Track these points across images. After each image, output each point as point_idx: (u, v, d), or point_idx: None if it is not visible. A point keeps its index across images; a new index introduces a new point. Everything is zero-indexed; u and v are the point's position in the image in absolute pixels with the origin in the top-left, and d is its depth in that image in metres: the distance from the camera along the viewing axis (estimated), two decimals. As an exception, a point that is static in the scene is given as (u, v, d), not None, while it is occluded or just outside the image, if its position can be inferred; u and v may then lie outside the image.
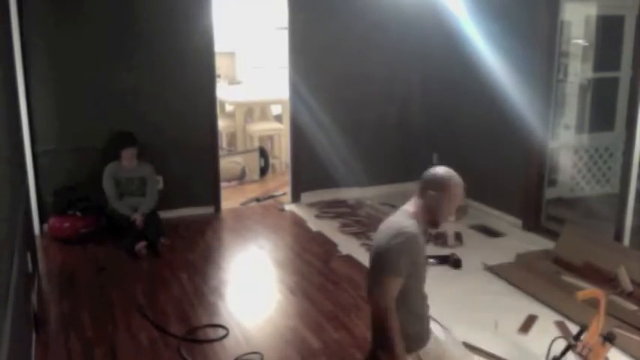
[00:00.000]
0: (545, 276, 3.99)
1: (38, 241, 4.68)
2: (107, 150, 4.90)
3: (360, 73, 5.84)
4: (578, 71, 5.42)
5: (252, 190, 6.37)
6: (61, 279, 4.11)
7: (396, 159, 6.20)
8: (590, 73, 5.43)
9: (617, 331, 3.21)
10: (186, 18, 5.09)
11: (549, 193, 5.08)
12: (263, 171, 6.91)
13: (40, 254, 4.46)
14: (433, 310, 2.49)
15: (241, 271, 4.47)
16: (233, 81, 9.26)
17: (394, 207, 5.92)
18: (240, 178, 6.69)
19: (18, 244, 2.81)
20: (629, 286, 3.68)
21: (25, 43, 4.61)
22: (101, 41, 4.87)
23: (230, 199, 5.94)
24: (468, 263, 4.27)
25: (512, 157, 5.03)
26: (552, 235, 4.65)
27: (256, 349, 3.17)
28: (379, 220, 5.49)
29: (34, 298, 3.46)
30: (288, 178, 6.05)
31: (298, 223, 5.32)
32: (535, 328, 3.42)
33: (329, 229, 5.11)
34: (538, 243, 4.62)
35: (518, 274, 4.02)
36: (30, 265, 3.46)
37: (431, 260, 4.20)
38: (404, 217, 2.27)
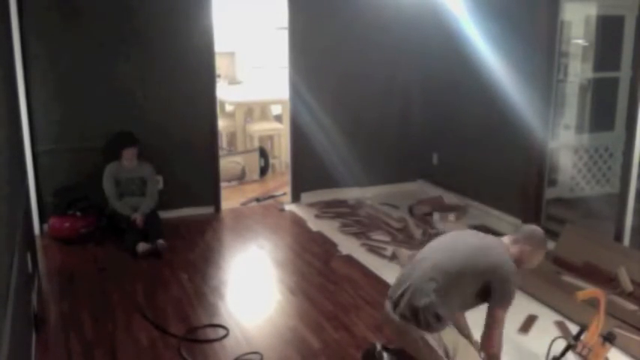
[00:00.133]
0: (545, 276, 3.99)
1: (38, 241, 4.68)
2: (107, 150, 4.90)
3: (360, 73, 5.84)
4: (578, 71, 5.42)
5: (252, 190, 6.37)
6: (61, 279, 4.11)
7: (396, 159, 6.21)
8: (590, 73, 5.42)
9: (617, 331, 3.21)
10: (186, 18, 5.09)
11: (549, 193, 5.08)
12: (263, 171, 6.91)
13: (40, 254, 4.46)
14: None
15: (241, 271, 4.47)
16: (233, 81, 9.26)
17: (394, 207, 5.97)
18: (240, 178, 6.69)
19: (18, 244, 2.81)
20: (629, 286, 3.68)
21: (25, 44, 4.61)
22: (101, 41, 4.87)
23: (230, 199, 5.94)
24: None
25: (512, 157, 5.03)
26: (552, 235, 4.64)
27: (256, 349, 3.17)
28: (379, 220, 5.53)
29: (34, 298, 3.46)
30: (288, 178, 6.06)
31: (298, 223, 5.33)
32: (535, 328, 3.42)
33: (329, 229, 5.11)
34: (538, 243, 4.61)
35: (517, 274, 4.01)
36: (30, 265, 3.46)
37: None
38: (508, 254, 2.65)
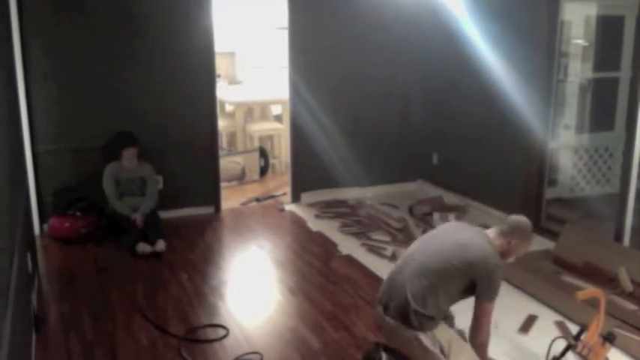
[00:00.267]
0: (545, 276, 3.99)
1: (38, 241, 4.68)
2: (107, 150, 4.90)
3: (360, 73, 5.84)
4: (578, 71, 5.42)
5: (252, 190, 6.37)
6: (61, 279, 4.11)
7: (396, 159, 6.21)
8: (590, 73, 5.42)
9: (617, 331, 3.21)
10: (186, 18, 5.09)
11: (549, 193, 5.08)
12: (263, 171, 6.91)
13: (40, 254, 4.46)
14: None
15: (241, 271, 4.47)
16: (233, 81, 9.26)
17: (394, 207, 5.96)
18: (240, 178, 6.69)
19: (18, 244, 2.81)
20: (629, 286, 3.68)
21: (25, 44, 4.61)
22: (101, 41, 4.87)
23: (230, 199, 5.94)
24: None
25: (512, 157, 5.03)
26: (552, 235, 4.64)
27: (256, 349, 3.17)
28: (379, 220, 5.52)
29: (34, 298, 3.46)
30: (288, 178, 6.06)
31: (298, 223, 5.33)
32: (535, 328, 3.42)
33: (329, 229, 5.11)
34: (538, 243, 4.61)
35: (518, 274, 4.01)
36: (30, 265, 3.46)
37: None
38: (491, 247, 2.65)
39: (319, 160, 5.79)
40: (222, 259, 4.63)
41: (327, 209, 5.62)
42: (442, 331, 2.63)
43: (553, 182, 5.29)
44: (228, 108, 7.76)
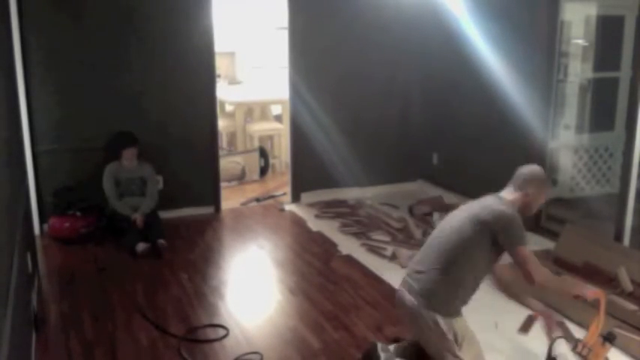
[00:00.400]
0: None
1: (38, 241, 4.68)
2: (107, 150, 4.90)
3: (360, 73, 5.84)
4: (578, 71, 5.42)
5: (252, 190, 6.37)
6: (61, 279, 4.11)
7: (396, 159, 6.21)
8: (590, 73, 5.42)
9: (617, 331, 3.21)
10: (186, 18, 5.09)
11: (549, 193, 5.07)
12: (263, 171, 6.91)
13: (40, 254, 4.46)
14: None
15: (241, 271, 4.47)
16: (233, 81, 9.26)
17: (394, 207, 5.96)
18: (240, 178, 6.69)
19: (18, 244, 2.81)
20: (629, 286, 3.68)
21: (25, 44, 4.61)
22: (101, 41, 4.87)
23: (230, 199, 5.94)
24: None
25: (512, 157, 5.02)
26: (552, 235, 4.64)
27: (256, 349, 3.17)
28: (379, 220, 5.52)
29: (34, 298, 3.46)
30: (288, 178, 6.06)
31: (298, 223, 5.32)
32: (535, 328, 3.42)
33: (329, 229, 5.11)
34: (538, 243, 4.61)
35: (518, 275, 4.01)
36: (30, 265, 3.46)
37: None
38: (506, 205, 2.63)
39: (319, 160, 5.79)
40: (222, 259, 4.63)
41: (327, 209, 5.62)
42: (460, 322, 2.63)
43: (553, 182, 5.28)
44: (228, 108, 7.76)
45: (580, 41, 5.34)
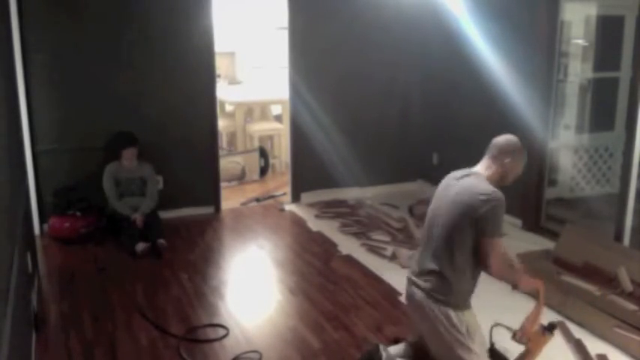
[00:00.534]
0: (545, 276, 3.98)
1: (38, 241, 4.68)
2: (107, 150, 4.90)
3: (360, 73, 5.84)
4: (578, 71, 5.42)
5: (252, 190, 6.37)
6: (61, 279, 4.10)
7: (396, 159, 6.21)
8: (590, 73, 5.43)
9: (618, 330, 3.22)
10: (186, 18, 5.09)
11: (549, 193, 5.08)
12: (263, 171, 6.91)
13: (40, 254, 4.46)
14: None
15: (241, 271, 4.47)
16: (233, 81, 9.26)
17: (394, 207, 5.96)
18: (240, 178, 6.69)
19: (18, 244, 2.81)
20: (629, 286, 3.68)
21: (25, 43, 4.61)
22: (101, 41, 4.87)
23: (230, 199, 5.94)
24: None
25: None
26: (552, 235, 4.64)
27: (256, 349, 3.17)
28: (379, 220, 5.52)
29: (34, 298, 3.46)
30: (288, 178, 6.06)
31: (298, 223, 5.33)
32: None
33: (329, 229, 5.11)
34: (538, 243, 4.62)
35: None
36: (30, 265, 3.46)
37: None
38: (485, 183, 2.62)
39: (319, 160, 5.79)
40: (222, 259, 4.63)
41: (327, 209, 5.62)
42: (469, 314, 2.61)
43: (553, 182, 5.29)
44: (228, 108, 7.76)
45: (580, 41, 5.35)
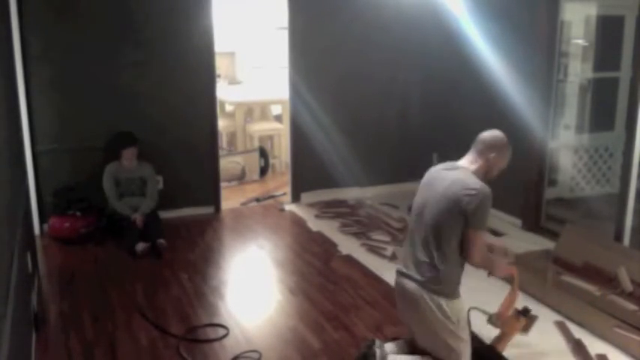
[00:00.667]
0: (545, 276, 3.99)
1: (38, 241, 4.68)
2: (107, 150, 4.90)
3: (360, 74, 5.84)
4: (578, 71, 5.42)
5: (252, 190, 6.37)
6: (61, 279, 4.10)
7: (396, 159, 6.21)
8: (590, 73, 5.43)
9: (618, 330, 3.22)
10: (186, 18, 5.09)
11: (549, 193, 5.08)
12: (263, 171, 6.91)
13: (40, 254, 4.46)
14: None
15: (241, 271, 4.47)
16: (233, 81, 9.26)
17: (394, 207, 5.96)
18: (240, 178, 6.69)
19: (18, 244, 2.81)
20: (629, 286, 3.68)
21: (25, 43, 4.61)
22: (101, 41, 4.87)
23: (230, 199, 5.94)
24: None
25: (512, 157, 5.00)
26: (552, 235, 4.65)
27: (256, 349, 3.17)
28: (379, 220, 5.52)
29: (34, 298, 3.45)
30: (288, 178, 6.06)
31: (298, 223, 5.33)
32: (535, 328, 3.41)
33: (329, 229, 5.11)
34: (538, 243, 4.62)
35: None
36: (30, 265, 3.46)
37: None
38: (473, 178, 2.66)
39: (319, 160, 5.79)
40: (222, 259, 4.63)
41: (327, 209, 5.62)
42: (459, 303, 2.63)
43: (553, 182, 5.29)
44: (228, 108, 7.76)
45: (580, 41, 5.35)
